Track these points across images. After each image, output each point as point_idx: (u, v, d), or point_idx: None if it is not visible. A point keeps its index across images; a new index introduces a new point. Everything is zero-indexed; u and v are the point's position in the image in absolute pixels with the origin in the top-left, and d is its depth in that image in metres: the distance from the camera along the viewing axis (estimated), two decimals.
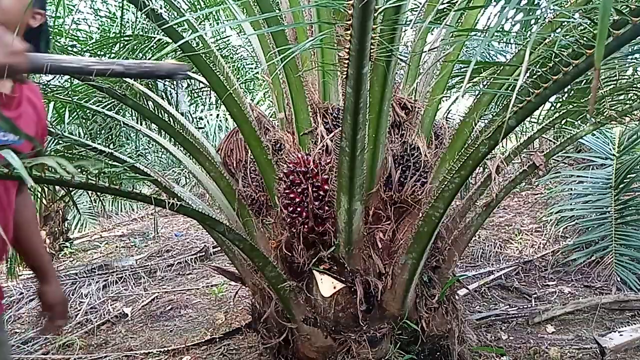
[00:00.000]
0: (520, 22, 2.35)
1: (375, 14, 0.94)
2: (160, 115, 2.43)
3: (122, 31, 3.00)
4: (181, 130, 2.08)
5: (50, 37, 1.29)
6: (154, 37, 3.06)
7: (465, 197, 2.22)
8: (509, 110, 1.37)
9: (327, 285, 1.83)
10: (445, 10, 2.36)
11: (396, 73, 1.95)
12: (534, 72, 1.30)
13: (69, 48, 3.01)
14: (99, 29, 3.65)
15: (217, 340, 2.85)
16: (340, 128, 1.49)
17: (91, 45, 3.16)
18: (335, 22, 1.27)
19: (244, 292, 3.40)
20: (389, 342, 1.88)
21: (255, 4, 2.02)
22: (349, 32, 0.97)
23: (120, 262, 4.80)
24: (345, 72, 1.13)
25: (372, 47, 1.03)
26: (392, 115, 1.94)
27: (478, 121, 2.00)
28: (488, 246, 4.24)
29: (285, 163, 1.82)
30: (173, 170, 7.00)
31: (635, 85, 2.21)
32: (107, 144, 3.74)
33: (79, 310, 3.55)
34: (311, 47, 1.90)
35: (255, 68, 5.01)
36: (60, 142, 2.34)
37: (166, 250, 5.36)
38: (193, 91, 4.69)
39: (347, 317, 1.84)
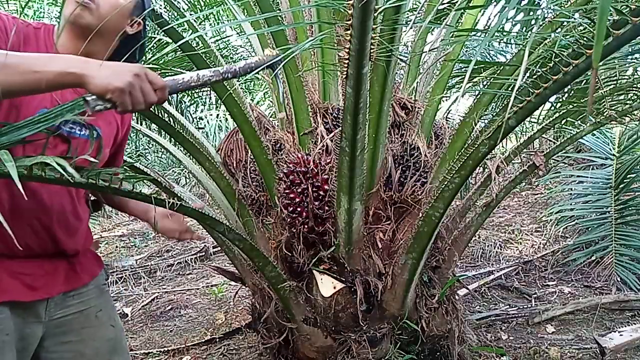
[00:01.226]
0: (520, 22, 2.35)
1: (375, 14, 0.94)
2: (160, 115, 2.43)
3: None
4: (181, 130, 2.08)
5: (146, 45, 1.35)
6: (154, 37, 3.06)
7: (465, 197, 2.22)
8: (508, 110, 1.37)
9: (327, 285, 1.83)
10: (445, 10, 2.36)
11: (396, 73, 1.95)
12: (534, 72, 1.30)
13: None
14: None
15: (217, 340, 2.85)
16: (340, 128, 1.49)
17: None
18: (335, 22, 1.27)
19: (244, 292, 3.40)
20: (389, 342, 1.88)
21: (255, 4, 2.02)
22: (348, 32, 0.97)
23: (120, 262, 4.79)
24: (345, 72, 1.13)
25: (372, 47, 1.03)
26: (392, 115, 1.94)
27: (478, 121, 2.00)
28: (488, 246, 4.23)
29: (285, 163, 1.82)
30: (173, 170, 6.99)
31: (635, 85, 2.21)
32: None
33: None
34: (311, 47, 1.90)
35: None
36: None
37: (166, 250, 5.36)
38: (193, 91, 4.69)
39: (347, 317, 1.84)
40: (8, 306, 1.08)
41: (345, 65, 1.10)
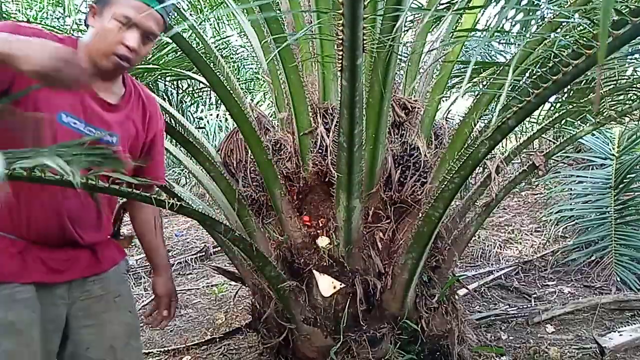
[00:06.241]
0: (520, 23, 2.35)
1: (366, 2, 0.93)
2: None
3: None
4: (181, 131, 2.08)
5: None
6: None
7: (465, 197, 2.22)
8: (508, 110, 1.37)
9: (326, 285, 1.83)
10: (445, 10, 2.36)
11: (396, 73, 1.95)
12: (534, 72, 1.30)
13: None
14: None
15: (217, 340, 2.85)
16: (337, 123, 1.49)
17: None
18: (327, 11, 1.25)
19: (244, 292, 3.40)
20: (389, 342, 1.89)
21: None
22: (340, 22, 0.96)
23: None
24: (340, 65, 1.13)
25: (365, 37, 1.02)
26: (392, 115, 1.95)
27: (478, 121, 2.00)
28: (488, 246, 4.23)
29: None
30: (173, 171, 7.00)
31: (634, 86, 2.22)
32: None
33: None
34: (309, 39, 1.89)
35: (255, 68, 5.03)
36: None
37: (166, 250, 5.36)
38: (194, 91, 4.70)
39: (347, 316, 1.84)
40: (34, 287, 1.19)
41: (340, 57, 1.09)
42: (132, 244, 1.77)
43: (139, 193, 1.16)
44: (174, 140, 2.22)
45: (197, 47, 1.97)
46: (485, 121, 2.27)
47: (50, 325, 1.22)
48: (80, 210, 1.25)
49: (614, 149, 3.81)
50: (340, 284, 1.83)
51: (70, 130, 1.17)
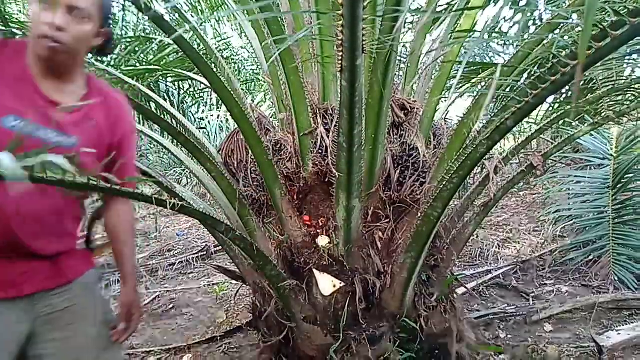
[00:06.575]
0: (518, 24, 2.36)
1: (365, 3, 0.94)
2: (162, 116, 2.44)
3: (124, 33, 3.01)
4: (182, 131, 2.10)
5: (114, 45, 1.43)
6: (156, 39, 3.08)
7: (464, 197, 2.24)
8: (507, 111, 1.38)
9: (326, 284, 1.85)
10: (444, 11, 2.37)
11: (395, 74, 1.97)
12: (532, 72, 1.32)
13: None
14: None
15: (218, 338, 2.87)
16: (337, 124, 1.50)
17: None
18: (327, 12, 1.26)
19: (244, 291, 3.42)
20: (388, 340, 1.90)
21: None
22: (340, 22, 0.97)
23: None
24: (339, 66, 1.14)
25: (364, 37, 1.03)
26: (391, 115, 1.96)
27: (476, 122, 2.01)
28: (486, 246, 4.25)
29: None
30: (175, 171, 7.02)
31: (632, 86, 2.23)
32: None
33: None
34: (310, 41, 1.91)
35: (256, 69, 5.04)
36: None
37: (168, 250, 5.38)
38: (195, 92, 4.71)
39: (347, 315, 1.86)
40: None
41: (340, 57, 1.10)
42: (105, 253, 1.72)
43: (140, 193, 1.17)
44: (175, 141, 2.24)
45: (198, 48, 1.98)
46: (484, 122, 2.28)
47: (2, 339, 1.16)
48: (38, 220, 1.19)
49: (612, 149, 3.82)
50: (340, 283, 1.84)
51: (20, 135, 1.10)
